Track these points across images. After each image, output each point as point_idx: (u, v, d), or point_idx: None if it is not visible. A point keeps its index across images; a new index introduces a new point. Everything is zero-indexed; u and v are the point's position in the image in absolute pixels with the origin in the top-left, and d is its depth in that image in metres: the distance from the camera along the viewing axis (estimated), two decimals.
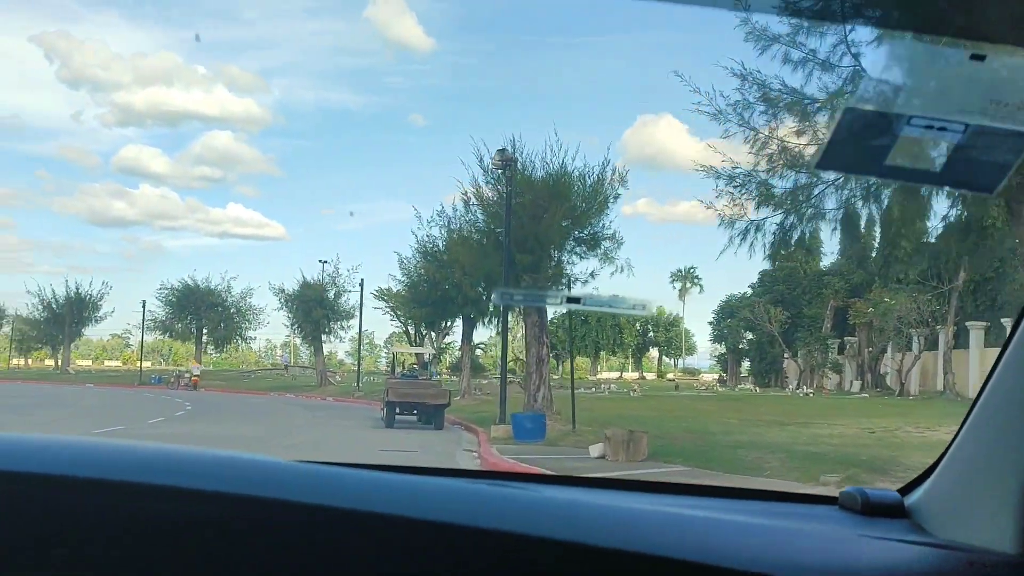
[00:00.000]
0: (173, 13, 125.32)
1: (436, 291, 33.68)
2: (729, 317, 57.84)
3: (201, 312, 58.30)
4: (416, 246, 34.62)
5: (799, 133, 12.43)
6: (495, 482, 1.30)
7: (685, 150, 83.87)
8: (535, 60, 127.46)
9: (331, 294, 46.66)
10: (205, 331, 60.42)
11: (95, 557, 0.88)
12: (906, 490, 1.37)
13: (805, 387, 45.81)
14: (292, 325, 49.94)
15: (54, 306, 68.45)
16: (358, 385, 43.76)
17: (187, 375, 54.11)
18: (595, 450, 15.07)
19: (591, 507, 1.00)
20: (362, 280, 44.70)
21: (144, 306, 58.68)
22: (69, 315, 68.01)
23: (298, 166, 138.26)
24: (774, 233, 13.50)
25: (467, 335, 37.92)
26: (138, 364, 66.27)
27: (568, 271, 25.68)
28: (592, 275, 25.67)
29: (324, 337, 50.27)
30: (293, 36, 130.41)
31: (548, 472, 11.19)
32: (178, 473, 0.92)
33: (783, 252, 19.69)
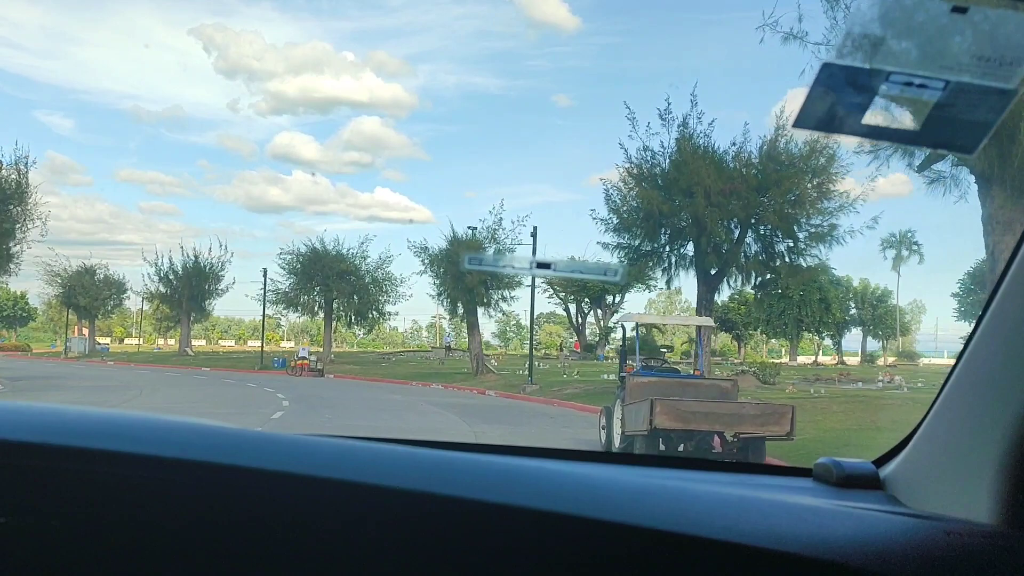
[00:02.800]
0: (323, 4, 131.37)
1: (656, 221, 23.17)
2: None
3: (330, 282, 47.24)
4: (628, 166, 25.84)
5: None
6: (482, 455, 1.13)
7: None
8: (681, 37, 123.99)
9: (490, 251, 34.23)
10: (336, 304, 49.45)
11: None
12: (881, 462, 1.38)
13: None
14: (439, 295, 37.59)
15: (171, 277, 60.12)
16: (530, 376, 31.61)
17: (311, 358, 44.43)
18: None
19: (567, 477, 1.01)
20: (535, 229, 31.81)
21: (265, 275, 49.19)
22: (187, 287, 59.39)
23: (443, 150, 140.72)
24: None
25: (707, 299, 25.40)
26: (265, 344, 56.84)
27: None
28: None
29: (481, 311, 38.10)
30: (438, 21, 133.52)
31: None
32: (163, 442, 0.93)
33: None
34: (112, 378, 35.29)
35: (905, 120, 0.89)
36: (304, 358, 43.93)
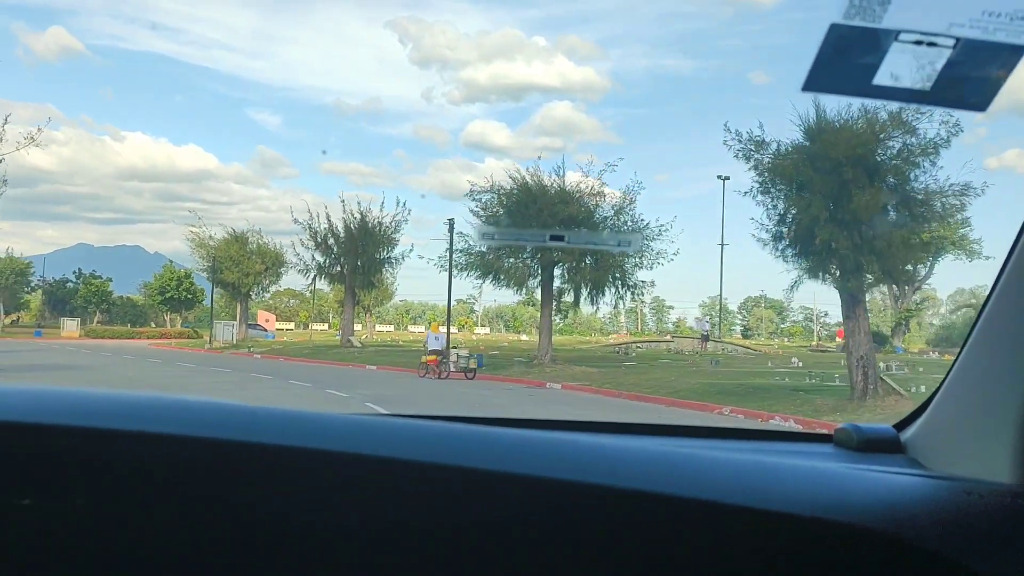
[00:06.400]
0: None
1: None
2: None
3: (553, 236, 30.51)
4: None
5: None
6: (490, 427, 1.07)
7: None
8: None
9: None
10: (562, 271, 30.98)
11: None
12: (902, 425, 1.39)
13: None
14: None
15: (331, 242, 45.41)
16: None
17: (463, 354, 28.79)
18: None
19: (587, 447, 1.00)
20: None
21: (452, 228, 33.01)
22: (351, 255, 44.48)
23: (634, 133, 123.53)
24: None
25: None
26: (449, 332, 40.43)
27: None
28: None
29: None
30: (627, 4, 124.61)
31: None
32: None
33: None
34: (241, 386, 22.43)
35: (916, 79, 0.86)
36: (436, 351, 28.18)
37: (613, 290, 31.40)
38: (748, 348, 50.74)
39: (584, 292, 31.35)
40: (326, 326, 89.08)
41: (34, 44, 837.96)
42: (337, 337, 50.79)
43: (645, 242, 30.67)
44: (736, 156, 19.72)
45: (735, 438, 1.58)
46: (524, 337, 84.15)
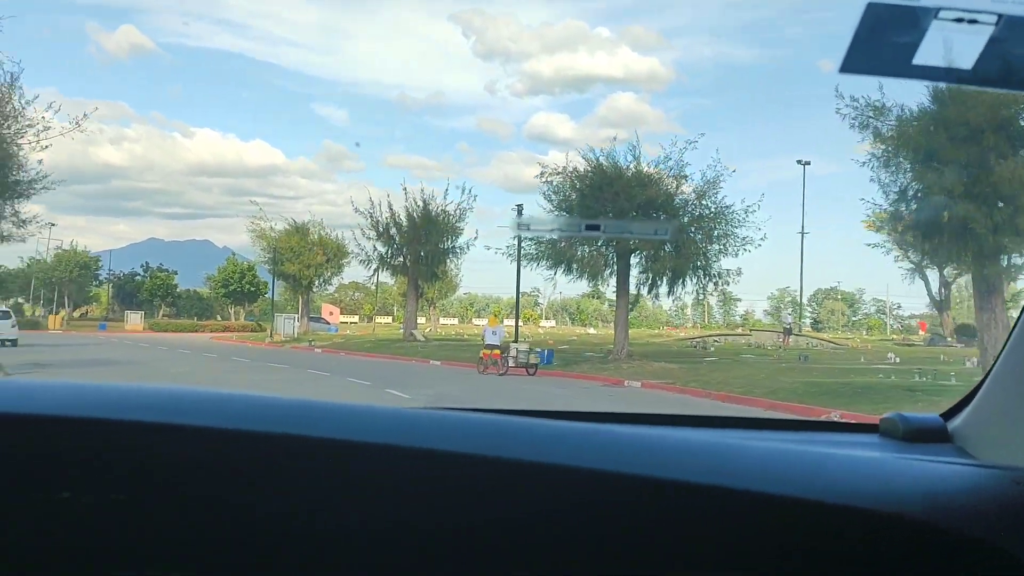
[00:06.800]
0: None
1: None
2: None
3: (630, 218, 28.01)
4: None
5: None
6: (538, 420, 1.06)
7: None
8: None
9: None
10: (641, 259, 28.38)
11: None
12: (949, 415, 1.36)
13: None
14: None
15: (392, 231, 43.33)
16: None
17: (523, 348, 26.41)
18: None
19: (633, 437, 0.99)
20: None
21: (520, 215, 30.57)
22: (413, 243, 42.46)
23: (699, 123, 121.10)
24: None
25: None
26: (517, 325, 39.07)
27: None
28: None
29: None
30: None
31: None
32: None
33: None
34: (295, 384, 21.09)
35: (957, 58, 0.82)
36: (494, 346, 26.19)
37: (694, 279, 28.84)
38: (833, 343, 47.61)
39: (662, 282, 28.86)
40: (390, 319, 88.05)
41: (106, 43, 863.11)
42: (400, 330, 49.18)
43: (730, 228, 28.07)
44: (852, 126, 17.13)
45: (780, 428, 1.55)
46: (591, 331, 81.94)
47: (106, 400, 0.92)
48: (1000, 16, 0.78)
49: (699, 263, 28.29)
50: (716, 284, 28.89)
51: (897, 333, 73.37)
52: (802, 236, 57.13)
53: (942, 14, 0.78)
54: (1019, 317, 1.21)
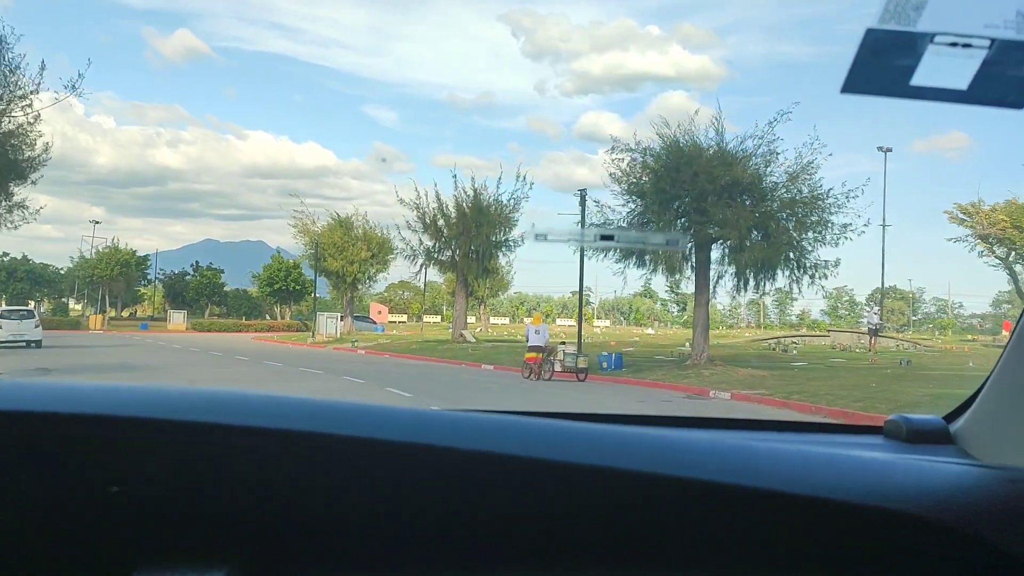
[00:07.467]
0: None
1: None
2: None
3: (708, 207, 23.04)
4: None
5: None
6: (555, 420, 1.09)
7: None
8: None
9: None
10: (725, 252, 24.83)
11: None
12: (951, 417, 1.38)
13: None
14: None
15: (441, 223, 39.97)
16: None
17: (569, 352, 23.38)
18: None
19: (646, 438, 1.02)
20: None
21: (583, 201, 27.06)
22: (463, 236, 38.99)
23: (750, 122, 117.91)
24: None
25: None
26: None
27: None
28: None
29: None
30: None
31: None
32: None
33: None
34: (323, 395, 16.54)
35: (952, 79, 0.89)
36: (539, 347, 22.75)
37: (786, 272, 24.97)
38: (919, 344, 43.15)
39: (749, 276, 25.04)
40: (439, 318, 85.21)
41: (162, 47, 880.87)
42: (449, 330, 45.91)
43: (825, 216, 24.17)
44: None
45: (785, 430, 1.57)
46: (650, 331, 77.96)
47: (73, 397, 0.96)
48: (993, 40, 0.83)
49: (792, 254, 24.44)
50: (813, 277, 24.91)
51: (975, 333, 68.44)
52: (883, 228, 52.65)
53: (938, 39, 0.83)
54: (1019, 320, 1.22)
